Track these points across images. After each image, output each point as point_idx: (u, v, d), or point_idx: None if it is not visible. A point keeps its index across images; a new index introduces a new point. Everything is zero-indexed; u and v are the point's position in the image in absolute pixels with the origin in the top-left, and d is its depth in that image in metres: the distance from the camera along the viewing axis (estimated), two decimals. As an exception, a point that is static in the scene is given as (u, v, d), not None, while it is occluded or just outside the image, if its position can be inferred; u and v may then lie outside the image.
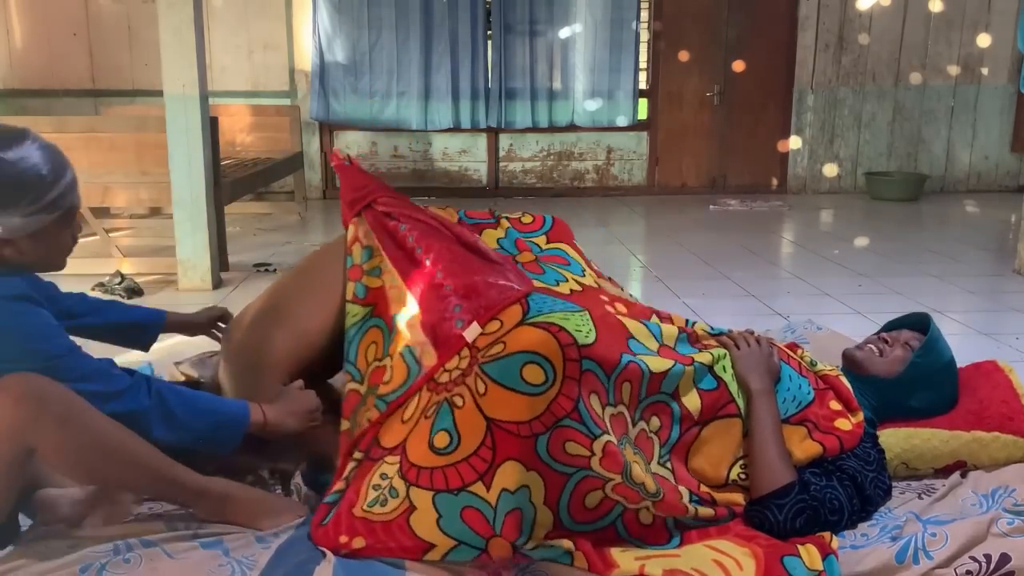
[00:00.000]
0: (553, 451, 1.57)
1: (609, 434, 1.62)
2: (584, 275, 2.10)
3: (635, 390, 1.73)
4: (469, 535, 1.56)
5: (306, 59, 7.35)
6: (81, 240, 1.77)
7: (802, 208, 7.20)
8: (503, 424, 1.57)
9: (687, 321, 2.07)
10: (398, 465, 1.67)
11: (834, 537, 1.71)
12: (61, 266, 1.67)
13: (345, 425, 1.82)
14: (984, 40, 7.67)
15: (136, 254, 4.87)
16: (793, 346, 2.19)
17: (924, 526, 1.70)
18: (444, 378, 1.72)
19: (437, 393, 1.71)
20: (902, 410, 2.07)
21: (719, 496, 1.80)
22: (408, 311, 1.85)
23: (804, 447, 1.86)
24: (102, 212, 5.23)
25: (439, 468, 1.60)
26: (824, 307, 4.00)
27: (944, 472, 2.01)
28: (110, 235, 4.88)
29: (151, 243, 5.43)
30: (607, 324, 1.79)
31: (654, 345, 1.86)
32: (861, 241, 5.74)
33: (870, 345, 2.15)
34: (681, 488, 1.75)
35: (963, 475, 1.98)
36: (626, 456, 1.63)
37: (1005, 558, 1.61)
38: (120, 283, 4.24)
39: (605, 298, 2.00)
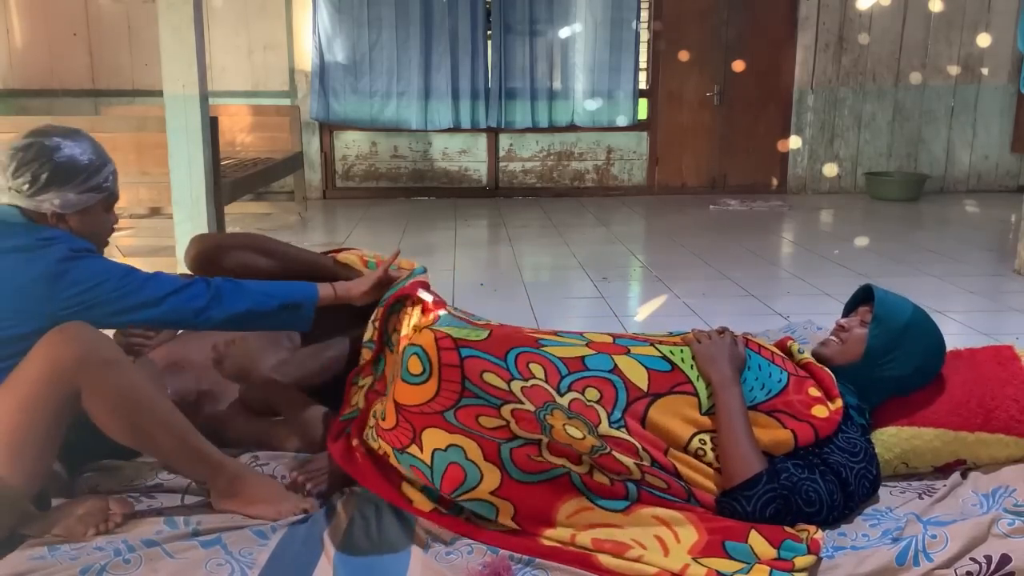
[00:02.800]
0: (467, 423, 1.74)
1: (517, 403, 1.76)
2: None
3: (551, 369, 1.85)
4: (425, 487, 1.79)
5: (306, 59, 7.35)
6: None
7: (802, 208, 7.20)
8: (407, 407, 1.77)
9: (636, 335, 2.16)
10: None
11: (819, 529, 1.71)
12: (102, 248, 1.90)
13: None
14: (984, 40, 7.67)
15: (136, 254, 4.86)
16: (786, 340, 2.19)
17: (924, 527, 1.71)
18: (395, 339, 2.04)
19: (396, 354, 2.00)
20: (884, 385, 2.04)
21: (683, 469, 1.82)
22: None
23: (774, 435, 1.86)
24: (102, 212, 5.22)
25: (389, 430, 1.82)
26: (824, 307, 3.99)
27: (943, 470, 2.01)
28: (110, 235, 4.88)
29: (151, 243, 5.43)
30: (507, 332, 1.96)
31: (579, 342, 1.97)
32: (861, 241, 5.74)
33: (831, 338, 2.14)
34: (638, 444, 1.80)
35: (963, 475, 1.98)
36: (544, 419, 1.74)
37: (1006, 559, 1.61)
38: (120, 283, 4.24)
39: (527, 328, 2.07)
